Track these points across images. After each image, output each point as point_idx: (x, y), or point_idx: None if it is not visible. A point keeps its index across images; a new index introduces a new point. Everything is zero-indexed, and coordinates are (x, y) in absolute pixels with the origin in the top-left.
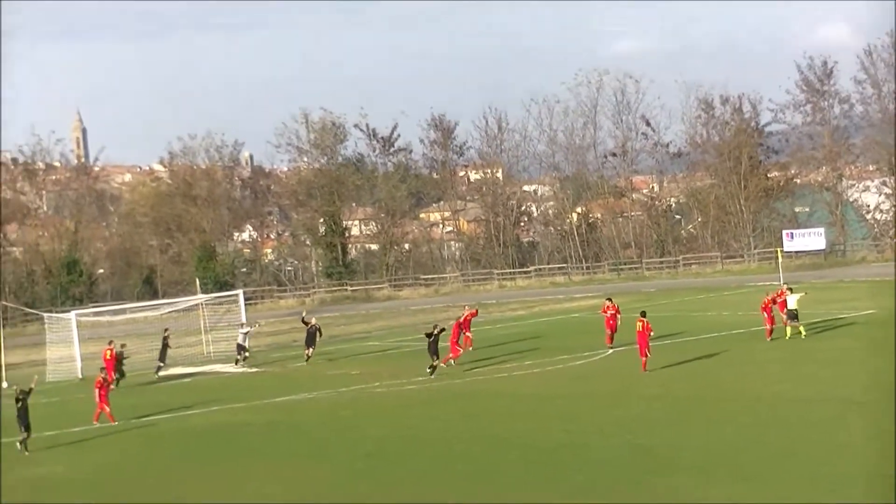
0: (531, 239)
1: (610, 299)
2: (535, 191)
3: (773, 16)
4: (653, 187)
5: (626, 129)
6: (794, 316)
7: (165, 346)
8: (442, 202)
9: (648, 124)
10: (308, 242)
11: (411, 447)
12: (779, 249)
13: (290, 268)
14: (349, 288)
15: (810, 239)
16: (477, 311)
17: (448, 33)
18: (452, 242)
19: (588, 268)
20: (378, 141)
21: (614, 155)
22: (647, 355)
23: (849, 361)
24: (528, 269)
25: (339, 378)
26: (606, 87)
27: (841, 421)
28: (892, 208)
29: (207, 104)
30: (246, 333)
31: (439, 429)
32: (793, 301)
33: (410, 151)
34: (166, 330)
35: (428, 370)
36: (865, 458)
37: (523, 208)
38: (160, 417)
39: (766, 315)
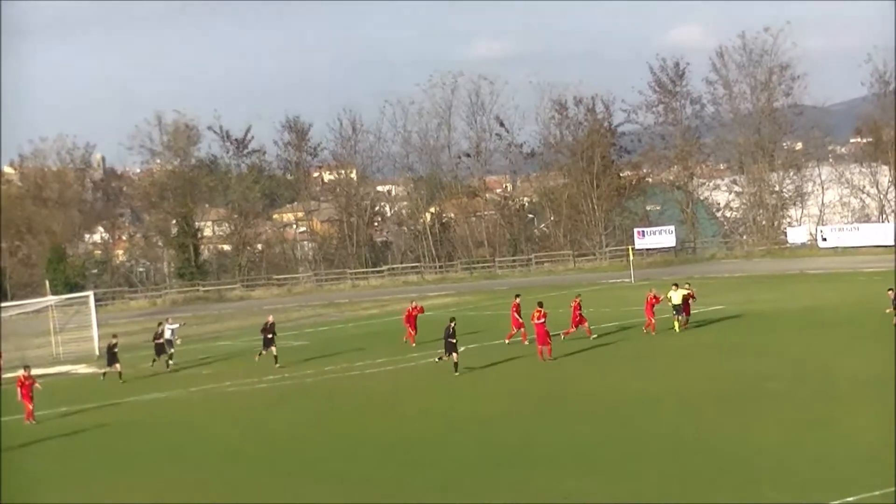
0: (384, 239)
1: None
2: (388, 191)
3: (628, 18)
4: (506, 187)
5: (480, 130)
6: (679, 310)
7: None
8: (295, 203)
9: (502, 125)
10: (160, 244)
11: (264, 447)
12: (630, 247)
13: (141, 269)
14: (201, 288)
15: (661, 237)
16: (421, 307)
17: (304, 35)
18: (306, 243)
19: (441, 267)
20: (232, 143)
21: (468, 155)
22: (548, 343)
23: (699, 357)
24: (382, 269)
25: (190, 378)
26: (461, 89)
27: (691, 416)
28: (742, 206)
29: (59, 106)
30: (174, 329)
31: (292, 428)
32: (677, 296)
33: (264, 153)
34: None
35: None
36: (714, 454)
37: (377, 208)
38: (10, 419)
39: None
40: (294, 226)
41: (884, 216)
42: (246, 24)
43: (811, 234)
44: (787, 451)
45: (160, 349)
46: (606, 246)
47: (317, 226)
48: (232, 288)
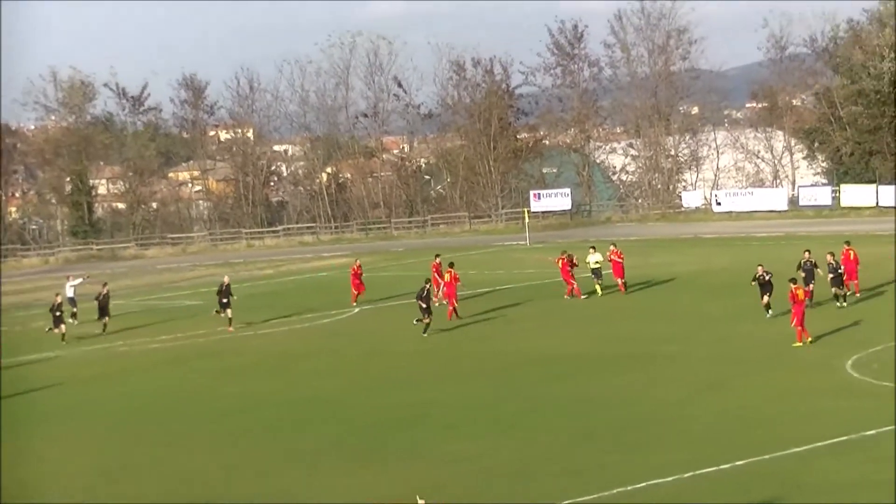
0: (280, 198)
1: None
2: (285, 151)
3: None
4: (403, 148)
5: (378, 91)
6: (598, 274)
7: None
8: (191, 161)
9: (400, 86)
10: (54, 201)
11: (160, 407)
12: (526, 210)
13: (34, 227)
14: (95, 247)
15: (557, 200)
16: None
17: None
18: (201, 202)
19: (337, 227)
20: (128, 100)
21: (366, 116)
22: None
23: (598, 320)
24: (277, 229)
25: (82, 338)
26: (359, 49)
27: (589, 377)
28: (638, 170)
29: None
30: (75, 286)
31: (187, 388)
32: (594, 259)
33: (160, 111)
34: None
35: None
36: (611, 414)
37: (273, 168)
38: None
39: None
40: (189, 184)
41: (777, 181)
42: None
43: (706, 198)
44: (684, 411)
45: (58, 321)
46: (502, 208)
47: (212, 185)
48: (126, 247)
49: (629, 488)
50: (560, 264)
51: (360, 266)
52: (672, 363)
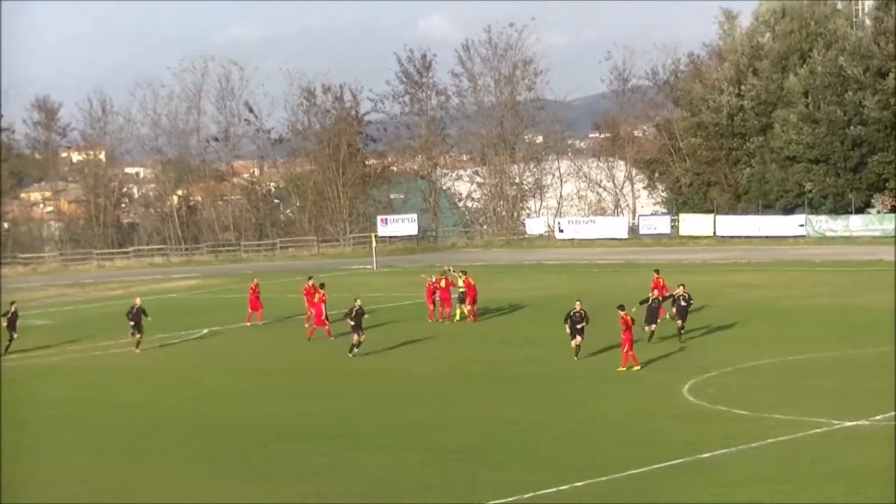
0: (132, 220)
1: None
2: (137, 173)
3: (380, 8)
4: (254, 172)
5: (230, 115)
6: (462, 298)
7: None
8: (43, 182)
9: (251, 111)
10: None
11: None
12: (373, 234)
13: None
14: None
15: (404, 225)
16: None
17: (54, 15)
18: (52, 222)
19: (187, 249)
20: None
21: (217, 140)
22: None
23: (447, 343)
24: (128, 250)
25: None
26: (211, 73)
27: (445, 396)
28: (483, 197)
29: None
30: None
31: (47, 406)
32: (461, 283)
33: (13, 131)
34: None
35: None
36: (458, 433)
37: (125, 190)
38: None
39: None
40: (41, 205)
41: (618, 210)
42: None
43: (549, 225)
44: (530, 433)
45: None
46: (350, 232)
47: (64, 206)
48: None
49: None
50: (432, 285)
51: (257, 285)
52: (522, 384)
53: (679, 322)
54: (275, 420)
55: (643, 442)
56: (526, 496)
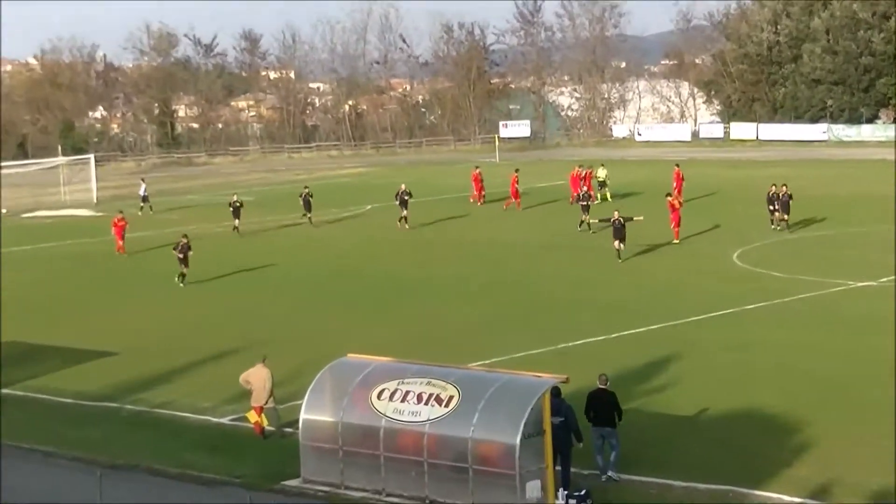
0: (314, 123)
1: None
2: (318, 88)
3: None
4: (406, 87)
5: (388, 45)
6: (603, 185)
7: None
8: (248, 94)
9: (404, 41)
10: (145, 121)
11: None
12: (496, 135)
13: (130, 139)
14: (175, 155)
15: (519, 128)
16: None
17: None
18: (254, 124)
19: (355, 145)
20: (202, 47)
21: (378, 63)
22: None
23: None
24: (311, 145)
25: (161, 222)
26: (374, 13)
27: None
28: (580, 108)
29: (71, 11)
30: (145, 187)
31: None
32: (602, 173)
33: (226, 55)
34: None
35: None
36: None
37: (309, 100)
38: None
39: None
40: (246, 111)
41: (683, 119)
42: None
43: (630, 130)
44: (601, 289)
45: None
46: (478, 134)
47: (263, 112)
48: (198, 156)
49: (569, 344)
50: (578, 175)
51: (516, 177)
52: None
53: (784, 216)
54: (421, 278)
55: (690, 296)
56: (612, 336)
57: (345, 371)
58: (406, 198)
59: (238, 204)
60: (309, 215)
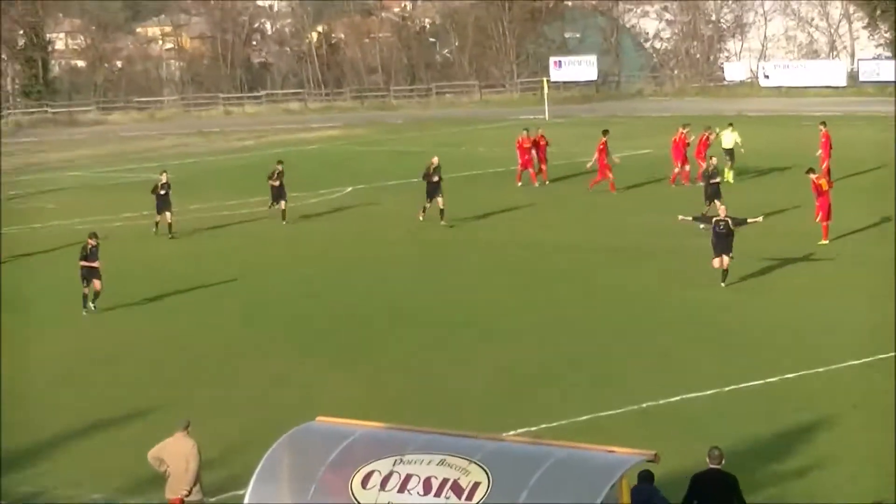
0: (263, 60)
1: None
2: (270, 6)
3: None
4: (405, 6)
5: None
6: (731, 156)
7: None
8: (162, 16)
9: None
10: (4, 57)
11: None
12: (545, 79)
13: None
14: (50, 110)
15: (581, 68)
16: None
17: None
18: (172, 61)
19: (328, 94)
20: None
21: None
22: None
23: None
24: (259, 94)
25: (34, 213)
26: None
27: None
28: (674, 37)
29: None
30: None
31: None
32: (729, 139)
33: None
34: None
35: None
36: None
37: (256, 25)
38: None
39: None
40: (160, 42)
41: (834, 53)
42: None
43: (752, 70)
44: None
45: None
46: (518, 77)
47: (186, 43)
48: (86, 110)
49: (659, 402)
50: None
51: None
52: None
53: None
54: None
55: (846, 327)
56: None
57: (312, 443)
58: (435, 179)
59: (167, 186)
60: (278, 205)
